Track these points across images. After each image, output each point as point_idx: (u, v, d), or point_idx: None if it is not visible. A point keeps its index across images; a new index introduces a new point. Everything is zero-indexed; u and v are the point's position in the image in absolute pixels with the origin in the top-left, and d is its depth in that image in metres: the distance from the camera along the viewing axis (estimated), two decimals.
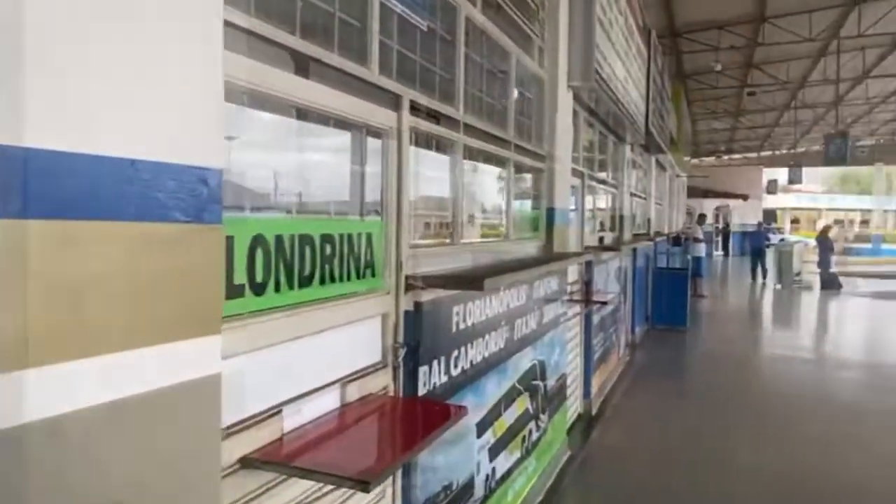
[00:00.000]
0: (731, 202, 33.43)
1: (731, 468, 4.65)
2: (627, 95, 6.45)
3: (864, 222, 52.65)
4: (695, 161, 40.71)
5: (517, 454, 3.64)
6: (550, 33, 4.50)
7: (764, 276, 18.13)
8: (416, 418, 2.24)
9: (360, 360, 2.23)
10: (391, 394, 2.35)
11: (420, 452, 2.13)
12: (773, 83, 17.35)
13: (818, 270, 17.75)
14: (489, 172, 3.97)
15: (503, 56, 3.79)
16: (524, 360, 3.78)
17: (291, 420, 1.82)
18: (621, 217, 7.41)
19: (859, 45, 14.84)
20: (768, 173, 36.14)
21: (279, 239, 1.78)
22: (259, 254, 1.71)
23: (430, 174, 3.70)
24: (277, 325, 1.77)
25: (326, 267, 1.99)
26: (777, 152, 36.11)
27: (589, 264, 5.56)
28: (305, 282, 1.90)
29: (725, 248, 32.27)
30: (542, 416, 4.14)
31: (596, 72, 4.76)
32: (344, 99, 2.08)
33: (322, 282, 1.98)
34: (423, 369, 2.45)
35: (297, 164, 2.12)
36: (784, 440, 5.24)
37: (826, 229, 18.88)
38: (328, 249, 2.00)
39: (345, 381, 2.10)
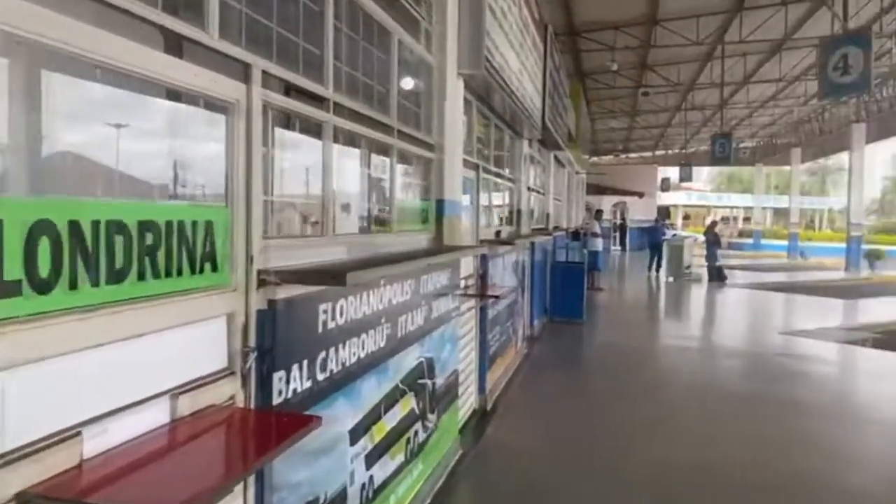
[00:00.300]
0: (628, 199, 34.97)
1: (625, 458, 4.68)
2: (522, 88, 6.40)
3: (747, 219, 56.73)
4: (594, 159, 42.24)
5: (400, 458, 3.44)
6: (438, 17, 4.32)
7: (658, 269, 19.05)
8: (259, 433, 1.95)
9: (199, 368, 1.93)
10: (240, 404, 2.07)
11: (251, 475, 1.88)
12: (666, 84, 18.15)
13: (706, 264, 18.78)
14: (370, 160, 3.80)
15: (384, 35, 3.56)
16: (409, 359, 3.59)
17: (94, 443, 1.51)
18: (518, 211, 7.39)
19: (741, 51, 15.79)
20: (662, 172, 38.11)
21: (75, 225, 1.47)
22: (43, 243, 1.39)
23: (301, 159, 3.44)
24: (74, 328, 1.46)
25: (147, 260, 1.69)
26: (670, 151, 38.14)
27: (484, 258, 5.44)
28: (116, 277, 1.59)
29: (623, 242, 33.67)
30: (429, 415, 3.96)
31: (487, 60, 4.63)
32: (171, 63, 1.78)
33: (141, 277, 1.67)
34: (278, 375, 2.18)
35: (111, 139, 1.80)
36: (674, 429, 5.36)
37: (713, 225, 20.00)
38: (149, 239, 1.70)
39: (175, 393, 1.81)
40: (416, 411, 3.71)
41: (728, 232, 49.29)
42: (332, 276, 2.25)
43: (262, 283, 2.14)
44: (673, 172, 35.64)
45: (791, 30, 13.91)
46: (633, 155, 41.22)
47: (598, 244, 15.58)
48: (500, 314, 6.19)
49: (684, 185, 47.40)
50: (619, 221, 34.64)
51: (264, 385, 2.13)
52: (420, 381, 3.78)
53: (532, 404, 6.10)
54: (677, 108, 22.86)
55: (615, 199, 34.71)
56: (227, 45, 2.02)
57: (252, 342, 2.11)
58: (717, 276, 17.90)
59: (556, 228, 13.65)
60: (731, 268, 21.57)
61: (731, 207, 60.67)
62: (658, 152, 39.73)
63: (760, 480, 4.34)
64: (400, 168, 3.96)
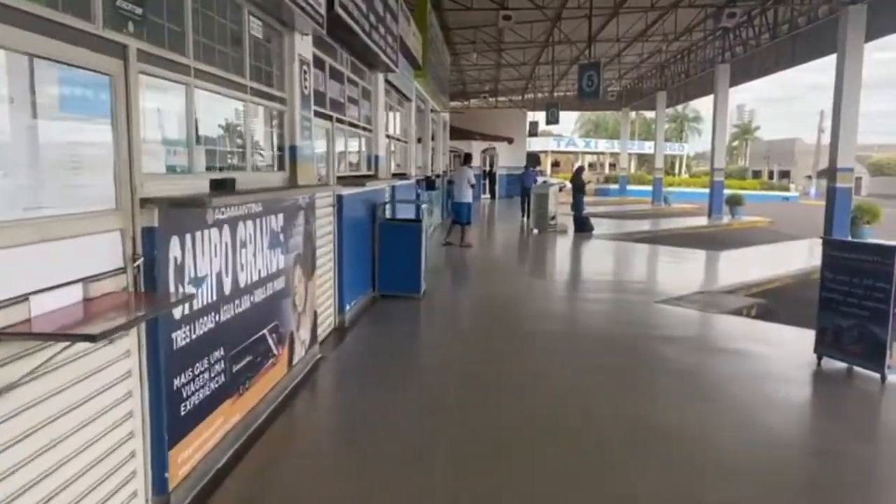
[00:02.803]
0: (497, 145, 33.14)
1: None
2: None
3: (612, 165, 57.67)
4: (463, 103, 40.23)
5: None
6: None
7: (528, 215, 17.82)
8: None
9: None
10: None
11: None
12: (531, 6, 15.97)
13: (572, 213, 17.33)
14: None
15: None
16: None
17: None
18: (293, 149, 4.75)
19: None
20: (531, 118, 36.61)
21: None
22: None
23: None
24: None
25: None
26: (539, 95, 36.75)
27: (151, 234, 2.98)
28: None
29: (492, 191, 31.98)
30: None
31: None
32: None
33: None
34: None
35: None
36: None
37: (579, 171, 18.51)
38: None
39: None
40: None
41: (595, 178, 49.67)
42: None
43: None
44: (542, 117, 34.13)
45: None
46: (502, 99, 39.51)
47: (468, 194, 13.18)
48: (224, 328, 3.68)
49: (551, 129, 46.83)
50: (488, 168, 32.79)
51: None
52: None
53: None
54: (545, 43, 20.93)
55: (484, 144, 32.66)
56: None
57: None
58: (584, 226, 16.44)
59: (400, 175, 11.23)
60: (598, 216, 20.43)
61: (599, 153, 61.49)
62: (528, 96, 38.27)
63: None
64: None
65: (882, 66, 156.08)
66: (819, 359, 5.56)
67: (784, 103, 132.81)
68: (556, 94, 32.61)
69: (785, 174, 61.50)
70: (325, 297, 5.87)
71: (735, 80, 22.09)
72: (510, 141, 33.40)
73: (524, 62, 24.61)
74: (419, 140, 14.78)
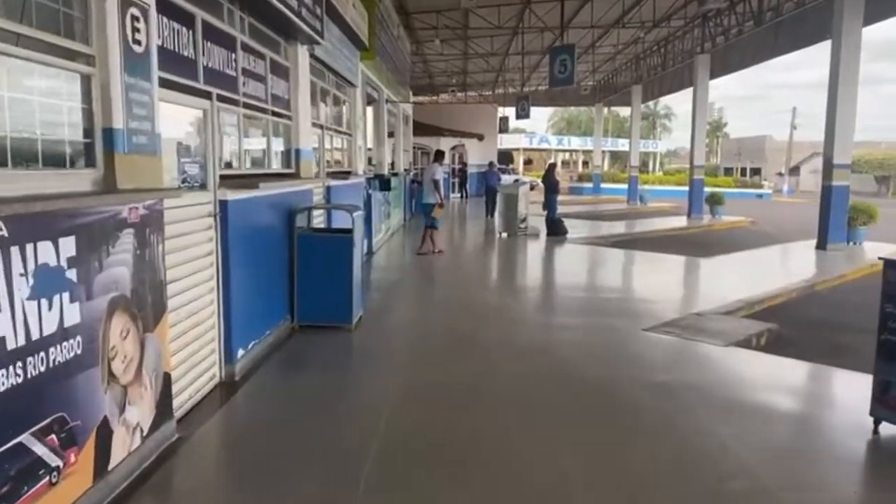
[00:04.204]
0: (467, 141, 31.45)
1: None
2: None
3: (586, 163, 56.46)
4: (431, 98, 38.56)
5: None
6: None
7: (493, 214, 17.15)
8: None
9: None
10: None
11: None
12: None
13: (544, 214, 15.84)
14: None
15: None
16: None
17: None
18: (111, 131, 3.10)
19: None
20: (501, 112, 35.04)
21: None
22: None
23: None
24: None
25: None
26: (511, 90, 35.25)
27: None
28: None
29: (462, 189, 30.30)
30: None
31: None
32: None
33: None
34: None
35: None
36: None
37: (551, 168, 17.01)
38: None
39: None
40: None
41: (568, 176, 48.35)
42: None
43: None
44: (513, 113, 32.57)
45: None
46: (472, 93, 37.92)
47: (433, 196, 11.56)
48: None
49: (524, 126, 45.44)
50: (458, 166, 31.08)
51: None
52: None
53: None
54: (515, 28, 19.38)
55: (453, 141, 30.93)
56: None
57: None
58: (557, 229, 14.93)
59: (343, 174, 9.57)
60: (572, 216, 18.97)
61: (572, 151, 60.34)
62: (498, 91, 36.72)
63: None
64: None
65: None
66: (876, 423, 4.06)
67: (748, 102, 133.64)
68: (526, 88, 31.12)
69: (756, 171, 61.08)
70: (197, 347, 4.19)
71: (712, 74, 20.79)
72: (480, 137, 31.75)
73: (493, 52, 23.04)
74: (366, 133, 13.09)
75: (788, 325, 7.07)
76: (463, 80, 31.53)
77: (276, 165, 6.13)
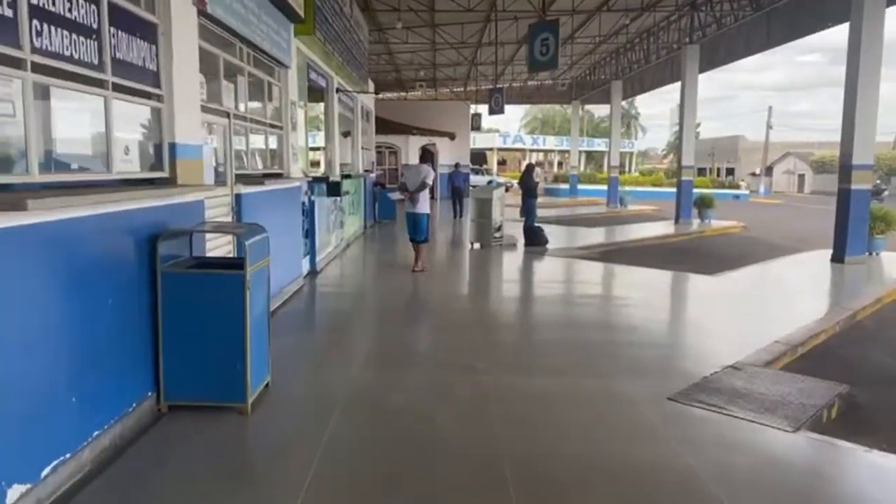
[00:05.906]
0: (438, 140, 29.37)
1: None
2: None
3: (560, 164, 54.79)
4: (399, 95, 36.49)
5: None
6: None
7: (461, 215, 17.58)
8: None
9: None
10: None
11: None
12: None
13: (521, 220, 13.95)
14: None
15: None
16: None
17: None
18: None
19: None
20: (474, 109, 33.10)
21: None
22: None
23: None
24: None
25: None
26: (483, 87, 33.38)
27: None
28: None
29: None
30: None
31: None
32: None
33: None
34: None
35: None
36: None
37: (529, 169, 15.10)
38: None
39: None
40: None
41: (543, 177, 46.59)
42: None
43: None
44: (485, 110, 30.64)
45: None
46: (443, 90, 35.94)
47: (425, 203, 9.72)
48: None
49: (498, 126, 43.53)
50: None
51: None
52: None
53: None
54: (488, 13, 17.45)
55: (423, 140, 28.82)
56: None
57: None
58: (536, 239, 13.04)
59: (274, 176, 7.53)
60: (550, 221, 17.13)
61: (547, 151, 58.69)
62: (470, 88, 34.80)
63: None
64: None
65: (809, 68, 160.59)
66: None
67: (715, 103, 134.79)
68: (500, 84, 29.23)
69: (730, 171, 60.26)
70: None
71: (700, 68, 19.11)
72: (452, 136, 29.71)
73: (463, 41, 21.06)
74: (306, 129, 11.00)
75: (857, 383, 5.23)
76: (433, 75, 29.48)
77: (124, 167, 4.05)
